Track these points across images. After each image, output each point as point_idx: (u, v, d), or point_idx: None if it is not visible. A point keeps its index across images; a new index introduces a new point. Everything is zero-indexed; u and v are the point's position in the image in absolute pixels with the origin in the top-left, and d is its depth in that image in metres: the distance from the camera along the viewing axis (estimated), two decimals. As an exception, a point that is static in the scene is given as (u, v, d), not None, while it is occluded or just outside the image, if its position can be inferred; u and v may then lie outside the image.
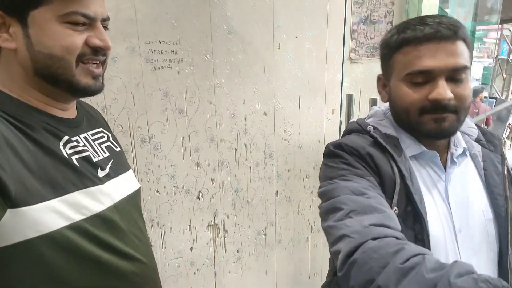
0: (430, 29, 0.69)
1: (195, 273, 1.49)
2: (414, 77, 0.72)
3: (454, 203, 0.75)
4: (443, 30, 0.69)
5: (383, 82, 0.83)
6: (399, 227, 0.64)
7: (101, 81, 0.71)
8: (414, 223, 0.70)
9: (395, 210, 0.69)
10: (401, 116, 0.77)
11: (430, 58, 0.69)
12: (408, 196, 0.71)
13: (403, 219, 0.69)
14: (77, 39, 0.64)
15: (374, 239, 0.58)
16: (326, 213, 0.70)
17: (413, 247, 0.56)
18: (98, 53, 0.67)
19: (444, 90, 0.69)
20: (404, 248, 0.55)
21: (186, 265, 1.46)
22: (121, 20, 1.17)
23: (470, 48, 0.73)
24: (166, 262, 1.41)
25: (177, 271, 1.44)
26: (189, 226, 1.43)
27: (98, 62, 0.69)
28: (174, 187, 1.37)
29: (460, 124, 0.75)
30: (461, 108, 0.72)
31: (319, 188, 0.77)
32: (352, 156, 0.75)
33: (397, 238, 0.60)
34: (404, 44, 0.72)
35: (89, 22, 0.65)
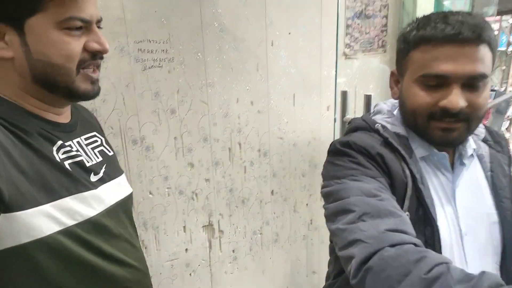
0: (451, 30, 0.63)
1: (190, 274, 1.47)
2: (428, 80, 0.67)
3: (461, 205, 0.73)
4: (465, 32, 0.62)
5: (397, 78, 0.78)
6: (414, 233, 0.61)
7: (98, 84, 0.71)
8: (425, 227, 0.68)
9: (407, 214, 0.66)
10: (408, 118, 0.74)
11: (448, 63, 0.64)
12: (419, 199, 0.69)
13: (414, 223, 0.65)
14: (76, 46, 0.63)
15: (392, 246, 0.55)
16: (334, 214, 0.66)
17: (435, 255, 0.53)
18: (96, 57, 0.67)
19: (456, 99, 0.64)
20: (426, 257, 0.52)
21: (182, 266, 1.44)
22: (109, 19, 1.14)
23: (494, 51, 0.67)
24: (160, 264, 1.39)
25: (172, 273, 1.43)
26: (184, 227, 1.42)
27: (95, 66, 0.69)
28: (168, 188, 1.35)
29: (470, 133, 0.71)
30: (473, 117, 0.67)
31: (323, 188, 0.74)
32: (362, 155, 0.71)
33: (415, 245, 0.57)
34: (422, 42, 0.67)
35: (85, 26, 0.64)
